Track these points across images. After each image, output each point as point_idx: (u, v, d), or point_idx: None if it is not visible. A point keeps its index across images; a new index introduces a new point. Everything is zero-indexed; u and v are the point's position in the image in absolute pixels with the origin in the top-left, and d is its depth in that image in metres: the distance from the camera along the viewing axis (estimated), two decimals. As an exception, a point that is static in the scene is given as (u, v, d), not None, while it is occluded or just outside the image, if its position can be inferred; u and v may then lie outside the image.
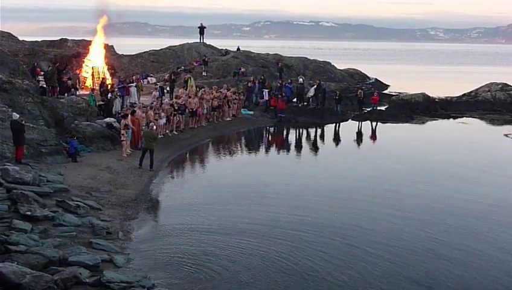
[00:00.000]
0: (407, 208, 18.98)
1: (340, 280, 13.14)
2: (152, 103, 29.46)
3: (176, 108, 29.84)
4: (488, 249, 15.44)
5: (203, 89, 35.19)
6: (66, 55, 46.42)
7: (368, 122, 38.84)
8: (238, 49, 55.79)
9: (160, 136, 27.22)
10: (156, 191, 20.65)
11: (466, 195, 20.84)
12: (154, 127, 24.72)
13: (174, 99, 31.81)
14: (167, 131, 29.17)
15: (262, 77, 42.13)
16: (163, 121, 28.33)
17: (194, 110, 31.66)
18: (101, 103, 29.36)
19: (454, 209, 19.00)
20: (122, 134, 24.40)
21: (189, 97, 32.06)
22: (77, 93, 33.36)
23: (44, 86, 30.89)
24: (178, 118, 30.17)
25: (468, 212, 18.83)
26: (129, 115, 24.88)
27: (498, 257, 14.91)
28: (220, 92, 35.55)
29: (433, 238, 16.12)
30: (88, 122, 25.81)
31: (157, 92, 33.70)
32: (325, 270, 13.66)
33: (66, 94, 31.16)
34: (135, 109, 26.79)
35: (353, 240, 15.69)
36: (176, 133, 29.85)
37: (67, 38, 53.78)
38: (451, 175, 23.95)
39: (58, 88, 31.28)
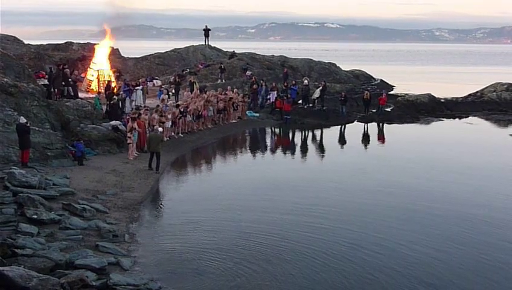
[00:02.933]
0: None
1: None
2: (158, 106, 29.52)
3: (182, 110, 29.90)
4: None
5: (210, 92, 35.25)
6: (71, 58, 46.51)
7: (374, 123, 38.74)
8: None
9: (166, 139, 27.28)
10: (162, 193, 20.67)
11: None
12: (160, 130, 24.74)
13: (180, 102, 31.85)
14: (173, 133, 29.20)
15: (273, 84, 41.84)
16: (169, 123, 28.38)
17: (199, 113, 31.69)
18: (111, 102, 29.27)
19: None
20: (129, 137, 24.43)
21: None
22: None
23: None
24: (184, 121, 30.21)
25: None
26: (136, 118, 24.93)
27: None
28: (226, 94, 35.60)
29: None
30: (94, 125, 25.86)
31: (166, 95, 33.78)
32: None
33: (65, 87, 31.24)
34: (141, 112, 26.85)
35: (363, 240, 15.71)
36: (181, 135, 29.88)
37: (73, 41, 53.87)
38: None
39: (61, 91, 31.33)
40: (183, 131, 30.36)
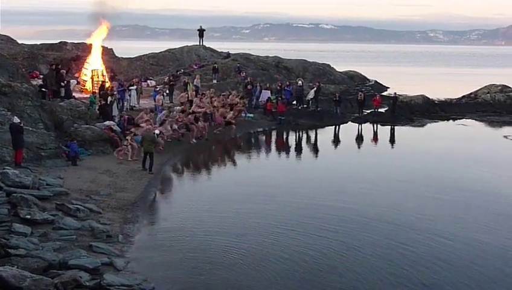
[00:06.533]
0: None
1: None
2: (164, 120, 29.06)
3: (195, 116, 29.59)
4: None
5: (208, 92, 35.34)
6: (65, 58, 46.39)
7: (368, 124, 38.83)
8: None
9: (168, 140, 27.07)
10: (155, 194, 20.64)
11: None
12: (157, 132, 24.69)
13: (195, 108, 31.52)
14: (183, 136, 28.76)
15: (267, 84, 41.96)
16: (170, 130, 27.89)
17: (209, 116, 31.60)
18: (106, 102, 29.08)
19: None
20: (127, 139, 24.36)
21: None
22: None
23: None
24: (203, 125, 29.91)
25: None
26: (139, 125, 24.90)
27: None
28: (223, 95, 35.63)
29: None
30: (87, 126, 25.79)
31: (161, 96, 33.69)
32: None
33: (60, 86, 31.28)
34: (142, 124, 26.54)
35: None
36: (195, 141, 29.25)
37: (67, 41, 53.69)
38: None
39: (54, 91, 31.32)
40: (197, 136, 29.67)
